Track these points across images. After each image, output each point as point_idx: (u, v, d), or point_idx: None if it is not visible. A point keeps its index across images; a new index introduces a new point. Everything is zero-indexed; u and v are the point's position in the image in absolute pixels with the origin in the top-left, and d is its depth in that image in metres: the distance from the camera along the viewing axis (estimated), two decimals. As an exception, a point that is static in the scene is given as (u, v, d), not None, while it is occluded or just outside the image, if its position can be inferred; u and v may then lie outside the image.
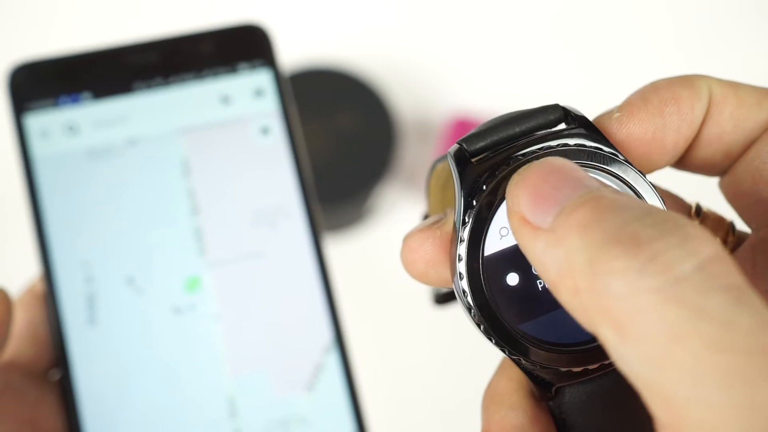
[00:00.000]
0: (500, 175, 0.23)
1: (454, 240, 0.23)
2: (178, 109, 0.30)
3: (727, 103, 0.23)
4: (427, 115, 0.64)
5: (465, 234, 0.23)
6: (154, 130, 0.30)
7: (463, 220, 0.23)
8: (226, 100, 0.30)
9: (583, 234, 0.18)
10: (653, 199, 0.22)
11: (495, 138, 0.23)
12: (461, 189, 0.23)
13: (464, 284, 0.22)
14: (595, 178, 0.20)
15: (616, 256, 0.17)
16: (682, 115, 0.23)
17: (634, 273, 0.16)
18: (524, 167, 0.20)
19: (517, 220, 0.20)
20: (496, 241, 0.23)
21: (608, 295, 0.17)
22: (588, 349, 0.22)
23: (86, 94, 0.30)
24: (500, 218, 0.22)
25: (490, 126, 0.24)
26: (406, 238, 0.24)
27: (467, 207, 0.23)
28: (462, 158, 0.23)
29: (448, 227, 0.23)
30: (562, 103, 0.24)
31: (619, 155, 0.23)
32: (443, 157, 0.25)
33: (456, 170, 0.23)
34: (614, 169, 0.22)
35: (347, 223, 0.62)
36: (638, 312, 0.16)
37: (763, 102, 0.23)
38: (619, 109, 0.24)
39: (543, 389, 0.23)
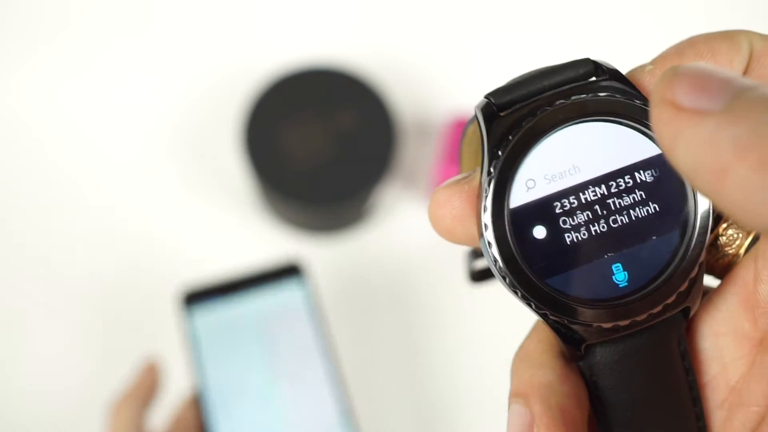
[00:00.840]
0: (526, 126, 0.22)
1: (480, 193, 0.22)
2: (260, 303, 0.51)
3: None
4: (427, 115, 0.64)
5: (490, 185, 0.22)
6: (252, 314, 0.50)
7: (489, 171, 0.22)
8: (283, 300, 0.50)
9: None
10: None
11: (523, 92, 0.23)
12: (488, 141, 0.23)
13: (489, 235, 0.22)
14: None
15: None
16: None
17: None
18: (680, 65, 0.19)
19: (668, 110, 0.18)
20: (522, 193, 0.22)
21: None
22: (618, 305, 0.22)
23: (213, 300, 0.51)
24: (527, 170, 0.22)
25: (519, 80, 0.23)
26: (434, 194, 0.24)
27: (492, 158, 0.22)
28: (489, 112, 0.23)
29: (477, 182, 0.23)
30: (593, 57, 0.23)
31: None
32: (474, 118, 0.25)
33: (483, 123, 0.23)
34: (647, 120, 0.22)
35: (347, 223, 0.62)
36: None
37: None
38: (653, 62, 0.23)
39: (571, 347, 0.22)
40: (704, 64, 0.18)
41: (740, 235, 0.23)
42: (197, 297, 0.49)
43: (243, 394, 0.46)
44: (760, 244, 0.22)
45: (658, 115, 0.18)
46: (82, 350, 0.58)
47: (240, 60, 0.65)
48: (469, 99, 0.62)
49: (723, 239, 0.24)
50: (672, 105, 0.18)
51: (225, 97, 0.63)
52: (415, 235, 0.62)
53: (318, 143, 0.58)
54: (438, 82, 0.66)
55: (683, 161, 0.18)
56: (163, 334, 0.59)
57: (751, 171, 0.16)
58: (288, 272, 0.50)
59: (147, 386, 0.46)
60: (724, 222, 0.24)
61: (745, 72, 0.22)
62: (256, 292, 0.49)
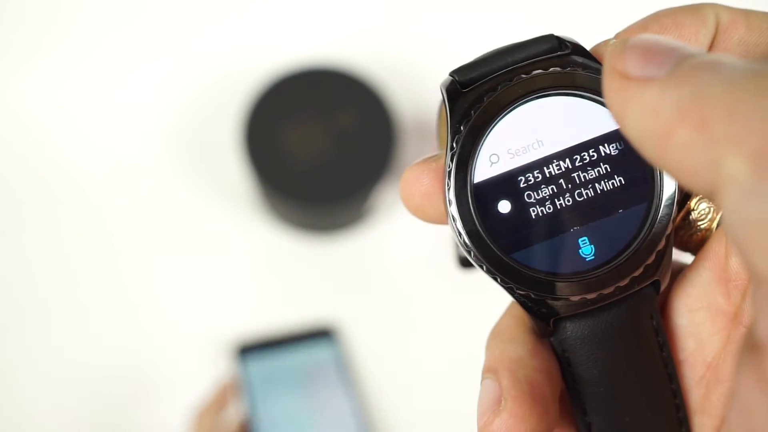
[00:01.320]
0: (487, 101, 0.22)
1: (445, 169, 0.22)
2: (300, 357, 0.59)
3: (735, 29, 0.22)
4: (427, 115, 0.64)
5: (453, 160, 0.22)
6: (293, 365, 0.59)
7: (451, 146, 0.22)
8: (319, 355, 0.59)
9: (716, 69, 0.16)
10: None
11: (486, 68, 0.23)
12: (451, 117, 0.23)
13: (453, 210, 0.22)
14: None
15: (766, 77, 0.15)
16: (683, 41, 0.22)
17: None
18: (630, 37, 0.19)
19: (616, 78, 0.18)
20: (486, 168, 0.22)
21: (755, 118, 0.14)
22: (585, 278, 0.22)
23: (262, 352, 0.59)
24: (490, 144, 0.22)
25: (483, 58, 0.23)
26: (404, 173, 0.24)
27: (455, 133, 0.22)
28: (453, 89, 0.23)
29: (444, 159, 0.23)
30: (556, 33, 0.23)
31: None
32: None
33: (447, 100, 0.23)
34: None
35: (347, 223, 0.62)
36: None
37: None
38: (616, 36, 0.23)
39: (540, 321, 0.22)
40: (653, 35, 0.18)
41: (711, 208, 0.23)
42: (249, 349, 0.58)
43: (287, 425, 0.56)
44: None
45: (608, 85, 0.18)
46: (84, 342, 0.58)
47: (240, 60, 0.65)
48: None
49: (694, 214, 0.23)
50: (621, 75, 0.18)
51: (225, 97, 0.63)
52: (415, 235, 0.62)
53: (318, 143, 0.58)
54: (438, 82, 0.66)
55: (632, 129, 0.18)
56: (163, 331, 0.59)
57: (691, 131, 0.16)
58: (322, 334, 0.59)
59: (223, 399, 0.54)
60: (695, 197, 0.23)
61: (712, 44, 0.22)
62: (296, 348, 0.59)
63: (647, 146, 0.17)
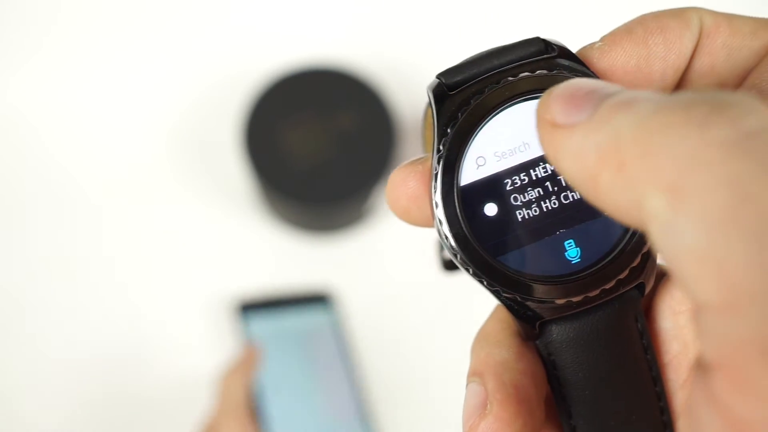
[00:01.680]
0: (474, 104, 0.22)
1: (431, 172, 0.22)
2: (297, 322, 0.61)
3: (719, 33, 0.22)
4: (427, 115, 0.64)
5: (440, 163, 0.22)
6: (293, 326, 0.60)
7: (438, 149, 0.22)
8: (317, 317, 0.61)
9: (630, 109, 0.16)
10: None
11: (474, 71, 0.23)
12: (438, 120, 0.23)
13: (440, 213, 0.22)
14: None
15: (673, 112, 0.15)
16: (668, 45, 0.22)
17: (695, 126, 0.15)
18: (554, 86, 0.19)
19: (547, 128, 0.18)
20: (472, 170, 0.22)
21: (664, 153, 0.15)
22: (571, 281, 0.22)
23: (262, 311, 0.60)
24: (477, 147, 0.22)
25: (470, 60, 0.23)
26: (390, 176, 0.23)
27: (442, 136, 0.22)
28: (440, 91, 0.23)
29: (430, 162, 0.23)
30: (542, 36, 0.23)
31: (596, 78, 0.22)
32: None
33: (433, 103, 0.23)
34: None
35: (347, 223, 0.62)
36: (700, 166, 0.14)
37: (758, 31, 0.22)
38: (602, 39, 0.23)
39: (526, 324, 0.22)
40: (577, 79, 0.19)
41: None
42: (250, 307, 0.59)
43: (287, 383, 0.57)
44: None
45: (540, 135, 0.19)
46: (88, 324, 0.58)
47: (240, 60, 0.65)
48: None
49: None
50: (550, 123, 0.18)
51: (225, 98, 0.63)
52: (415, 235, 0.62)
53: (318, 143, 0.58)
54: (438, 82, 0.66)
55: (565, 174, 0.18)
56: (163, 331, 0.59)
57: (613, 174, 0.16)
58: (320, 299, 0.61)
59: (250, 363, 0.55)
60: None
61: (696, 47, 0.22)
62: (295, 310, 0.60)
63: (581, 189, 0.18)
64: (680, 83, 0.23)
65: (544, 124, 0.18)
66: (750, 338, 0.14)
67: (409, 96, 0.64)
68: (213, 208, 0.62)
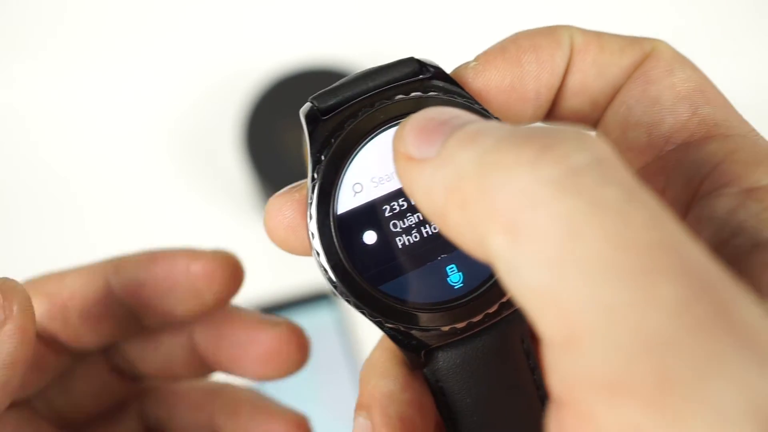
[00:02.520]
0: (348, 128, 0.22)
1: (307, 200, 0.22)
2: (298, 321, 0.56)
3: (589, 51, 0.23)
4: (427, 115, 0.64)
5: (314, 191, 0.21)
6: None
7: (312, 176, 0.21)
8: (315, 321, 0.60)
9: (472, 145, 0.16)
10: None
11: (347, 93, 0.22)
12: (311, 146, 0.22)
13: (316, 244, 0.21)
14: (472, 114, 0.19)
15: (507, 150, 0.16)
16: (541, 63, 0.23)
17: (527, 165, 0.15)
18: (410, 116, 0.19)
19: (403, 162, 0.18)
20: (349, 198, 0.21)
21: (499, 192, 0.15)
22: (454, 307, 0.21)
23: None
24: (353, 173, 0.21)
25: (343, 82, 0.23)
26: (267, 204, 0.23)
27: (316, 163, 0.22)
28: (312, 116, 0.22)
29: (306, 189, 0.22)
30: (417, 56, 0.23)
31: (474, 103, 0.22)
32: None
33: (306, 128, 0.22)
34: None
35: (347, 223, 0.62)
36: (533, 206, 0.15)
37: (625, 49, 0.23)
38: (476, 58, 0.23)
39: (411, 353, 0.22)
40: (432, 109, 0.19)
41: None
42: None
43: (289, 382, 0.57)
44: None
45: (397, 168, 0.19)
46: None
47: (240, 60, 0.65)
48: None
49: None
50: (404, 157, 0.18)
51: (225, 98, 0.63)
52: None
53: (318, 143, 0.58)
54: (438, 82, 0.66)
55: (420, 209, 0.18)
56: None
57: (457, 213, 0.16)
58: (322, 297, 0.61)
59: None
60: None
61: (568, 65, 0.23)
62: (297, 311, 0.60)
63: (436, 224, 0.17)
64: (555, 100, 0.24)
65: (398, 156, 0.18)
66: (590, 375, 0.14)
67: (409, 96, 0.64)
68: (213, 208, 0.62)
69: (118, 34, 0.66)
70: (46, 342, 0.26)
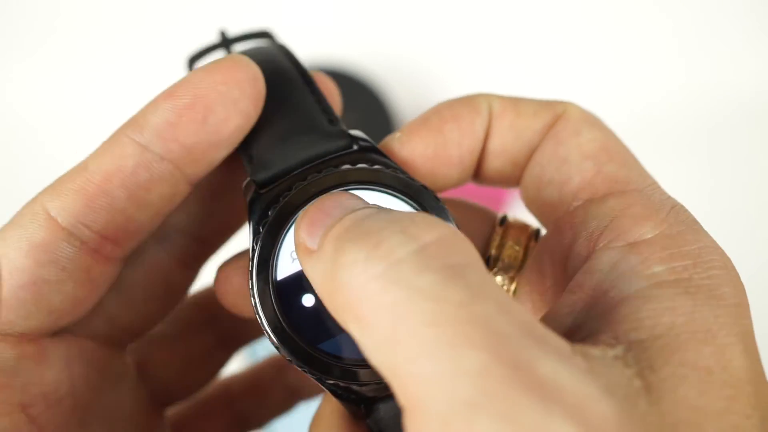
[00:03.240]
0: (283, 201, 0.23)
1: (249, 269, 0.23)
2: None
3: (506, 116, 0.25)
4: (427, 115, 0.64)
5: (254, 260, 0.23)
6: None
7: (253, 246, 0.23)
8: None
9: (335, 242, 0.19)
10: (434, 207, 0.23)
11: (283, 167, 0.24)
12: (250, 218, 0.24)
13: (258, 309, 0.23)
14: (359, 199, 0.21)
15: (348, 250, 0.18)
16: (462, 131, 0.25)
17: (361, 262, 0.18)
18: (307, 206, 0.21)
19: (300, 251, 0.20)
20: (287, 264, 0.23)
21: (346, 288, 0.18)
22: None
23: None
24: (289, 242, 0.23)
25: (279, 155, 0.24)
26: (217, 270, 0.25)
27: (255, 233, 0.23)
28: (251, 190, 0.24)
29: None
30: (351, 131, 0.25)
31: (400, 172, 0.24)
32: None
33: (247, 202, 0.24)
34: (396, 184, 0.23)
35: (347, 223, 0.62)
36: (368, 299, 0.17)
37: (539, 112, 0.25)
38: (401, 130, 0.25)
39: (352, 406, 0.23)
40: (323, 200, 0.21)
41: (505, 282, 0.25)
42: None
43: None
44: None
45: (298, 255, 0.21)
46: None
47: (240, 60, 0.65)
48: (468, 99, 0.62)
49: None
50: (301, 246, 0.20)
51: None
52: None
53: (318, 143, 0.58)
54: (438, 82, 0.66)
55: (317, 292, 0.20)
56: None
57: (328, 302, 0.19)
58: None
59: None
60: (492, 269, 0.26)
61: (488, 130, 0.25)
62: None
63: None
64: (480, 162, 0.26)
65: (296, 244, 0.21)
66: None
67: (409, 96, 0.64)
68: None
69: (119, 35, 0.66)
70: (92, 249, 0.24)
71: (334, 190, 0.22)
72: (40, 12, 0.66)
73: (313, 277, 0.20)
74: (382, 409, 0.23)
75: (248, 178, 0.24)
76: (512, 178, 0.26)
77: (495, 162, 0.25)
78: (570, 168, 0.24)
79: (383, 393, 0.23)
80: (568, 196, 0.24)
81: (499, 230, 0.26)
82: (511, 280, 0.25)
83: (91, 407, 0.25)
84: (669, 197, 0.23)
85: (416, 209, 0.23)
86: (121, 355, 0.27)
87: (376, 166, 0.24)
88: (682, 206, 0.23)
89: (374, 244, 0.18)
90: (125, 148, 0.23)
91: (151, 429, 0.29)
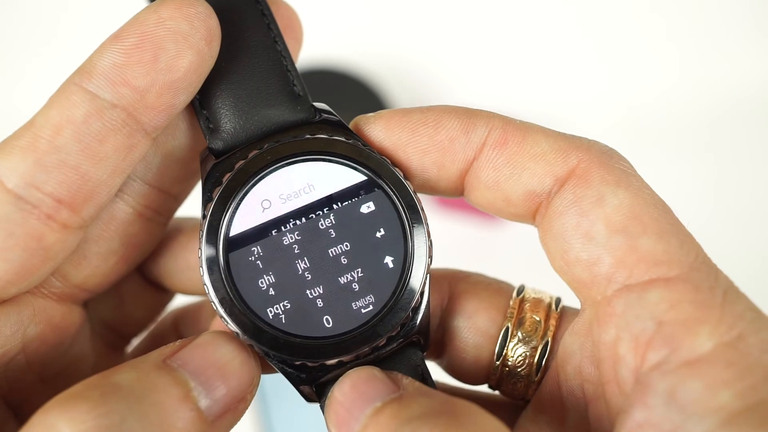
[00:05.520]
0: (238, 168, 0.23)
1: (199, 237, 0.22)
2: None
3: (505, 148, 0.23)
4: (427, 115, 0.64)
5: (204, 228, 0.22)
6: None
7: (203, 214, 0.23)
8: None
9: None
10: (394, 182, 0.23)
11: (242, 138, 0.23)
12: (204, 185, 0.23)
13: (205, 279, 0.22)
14: (384, 386, 0.21)
15: None
16: (434, 142, 0.23)
17: None
18: (335, 387, 0.22)
19: None
20: (240, 233, 0.22)
21: None
22: (328, 344, 0.22)
23: None
24: (243, 211, 0.22)
25: (240, 125, 0.24)
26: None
27: (206, 201, 0.23)
28: (206, 158, 0.24)
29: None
30: (315, 104, 0.24)
31: (362, 145, 0.23)
32: None
33: (201, 171, 0.24)
34: (355, 156, 0.23)
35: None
36: None
37: (548, 155, 0.23)
38: (377, 112, 0.24)
39: (299, 385, 0.23)
40: (347, 380, 0.21)
41: (527, 353, 0.24)
42: None
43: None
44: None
45: None
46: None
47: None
48: (468, 99, 0.62)
49: (511, 362, 0.24)
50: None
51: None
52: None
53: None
54: (438, 82, 0.66)
55: None
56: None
57: None
58: None
59: None
60: (511, 341, 0.24)
61: (476, 156, 0.23)
62: None
63: None
64: (467, 185, 0.24)
65: None
66: None
67: (409, 96, 0.64)
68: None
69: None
70: (45, 214, 0.21)
71: (360, 368, 0.21)
72: (41, 12, 0.66)
73: None
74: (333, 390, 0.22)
75: (206, 147, 0.24)
76: (505, 212, 0.24)
77: (485, 193, 0.23)
78: (598, 246, 0.21)
79: (327, 373, 0.22)
80: (602, 280, 0.21)
81: (516, 300, 0.25)
82: (534, 351, 0.24)
83: (52, 363, 0.24)
84: (717, 275, 0.20)
85: (374, 180, 0.23)
86: (79, 310, 0.25)
87: (335, 137, 0.23)
88: (733, 287, 0.20)
89: None
90: (73, 96, 0.21)
91: None
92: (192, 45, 0.21)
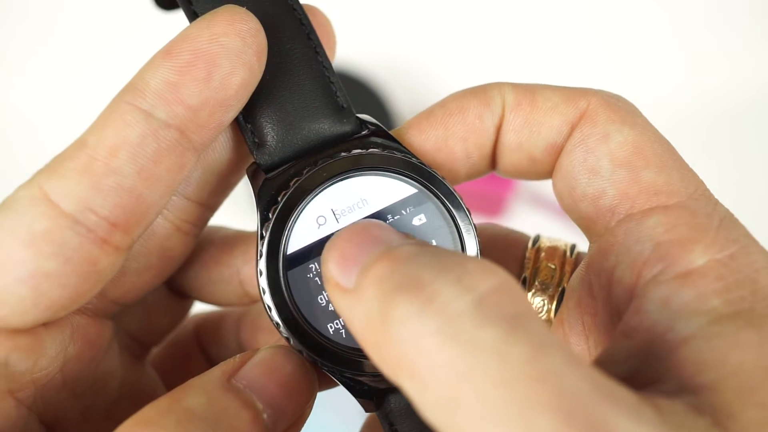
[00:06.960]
0: (294, 186, 0.23)
1: (256, 256, 0.23)
2: None
3: (521, 109, 0.23)
4: (427, 115, 0.64)
5: (263, 248, 0.22)
6: None
7: (261, 234, 0.22)
8: None
9: (378, 287, 0.17)
10: (445, 193, 0.23)
11: (290, 152, 0.23)
12: (258, 204, 0.23)
13: (267, 299, 0.22)
14: (391, 229, 0.20)
15: (399, 303, 0.17)
16: (467, 125, 0.24)
17: (415, 317, 0.16)
18: (337, 233, 0.20)
19: (330, 286, 0.19)
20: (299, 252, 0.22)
21: (399, 343, 0.17)
22: None
23: None
24: (300, 228, 0.22)
25: (288, 140, 0.24)
26: None
27: (264, 221, 0.23)
28: (257, 174, 0.24)
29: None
30: (358, 114, 0.24)
31: (412, 157, 0.23)
32: None
33: (252, 186, 0.23)
34: (408, 170, 0.23)
35: (348, 223, 0.62)
36: (424, 356, 0.16)
37: (559, 107, 0.23)
38: (408, 121, 0.24)
39: (364, 399, 0.23)
40: (352, 229, 0.19)
41: (546, 301, 0.25)
42: None
43: None
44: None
45: (327, 289, 0.19)
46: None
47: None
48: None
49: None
50: (331, 282, 0.19)
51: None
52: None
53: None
54: (438, 82, 0.66)
55: (351, 332, 0.19)
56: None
57: (373, 350, 0.18)
58: None
59: None
60: (529, 290, 0.25)
61: (501, 124, 0.24)
62: None
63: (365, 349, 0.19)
64: (496, 156, 0.24)
65: (326, 280, 0.19)
66: None
67: (409, 96, 0.64)
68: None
69: (120, 35, 0.66)
70: (100, 238, 0.21)
71: (362, 219, 0.22)
72: (40, 12, 0.66)
73: (351, 320, 0.18)
74: (393, 400, 0.23)
75: (253, 162, 0.23)
76: (531, 173, 0.25)
77: (511, 157, 0.24)
78: (602, 180, 0.22)
79: (392, 384, 0.22)
80: (606, 212, 0.22)
81: (532, 251, 0.25)
82: (551, 299, 0.25)
83: (84, 379, 0.24)
84: (715, 205, 0.21)
85: (427, 193, 0.23)
86: (110, 324, 0.26)
87: (387, 152, 0.23)
88: (730, 216, 0.21)
89: (428, 297, 0.16)
90: (127, 116, 0.20)
91: (139, 380, 0.28)
92: (245, 62, 0.21)
